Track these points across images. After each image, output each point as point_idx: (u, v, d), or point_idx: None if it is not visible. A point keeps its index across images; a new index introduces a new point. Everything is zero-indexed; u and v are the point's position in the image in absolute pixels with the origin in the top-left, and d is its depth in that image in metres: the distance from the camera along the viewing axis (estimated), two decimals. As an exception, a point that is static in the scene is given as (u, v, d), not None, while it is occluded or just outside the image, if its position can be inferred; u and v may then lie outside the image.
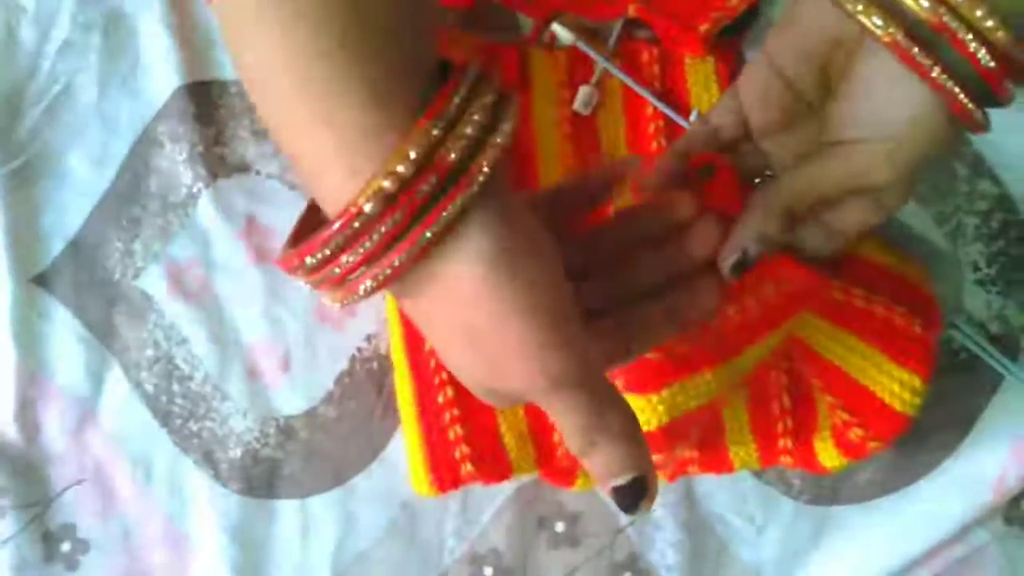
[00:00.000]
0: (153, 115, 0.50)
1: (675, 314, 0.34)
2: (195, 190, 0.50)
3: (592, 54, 0.47)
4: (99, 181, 0.50)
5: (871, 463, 0.51)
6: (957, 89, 0.29)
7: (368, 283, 0.24)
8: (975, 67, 0.29)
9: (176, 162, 0.50)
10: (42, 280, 0.50)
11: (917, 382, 0.42)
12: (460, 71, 0.24)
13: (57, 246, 0.50)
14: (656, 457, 0.42)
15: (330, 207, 0.24)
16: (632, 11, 0.47)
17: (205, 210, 0.50)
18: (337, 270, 0.24)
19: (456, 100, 0.23)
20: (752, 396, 0.47)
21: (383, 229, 0.23)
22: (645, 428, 0.40)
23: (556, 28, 0.48)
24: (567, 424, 0.28)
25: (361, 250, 0.23)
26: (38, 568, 0.52)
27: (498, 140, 0.23)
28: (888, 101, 0.31)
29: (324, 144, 0.23)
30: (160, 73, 0.49)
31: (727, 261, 0.34)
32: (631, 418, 0.29)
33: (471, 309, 0.24)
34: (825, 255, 0.37)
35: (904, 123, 0.30)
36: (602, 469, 0.28)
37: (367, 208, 0.22)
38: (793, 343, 0.46)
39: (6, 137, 0.49)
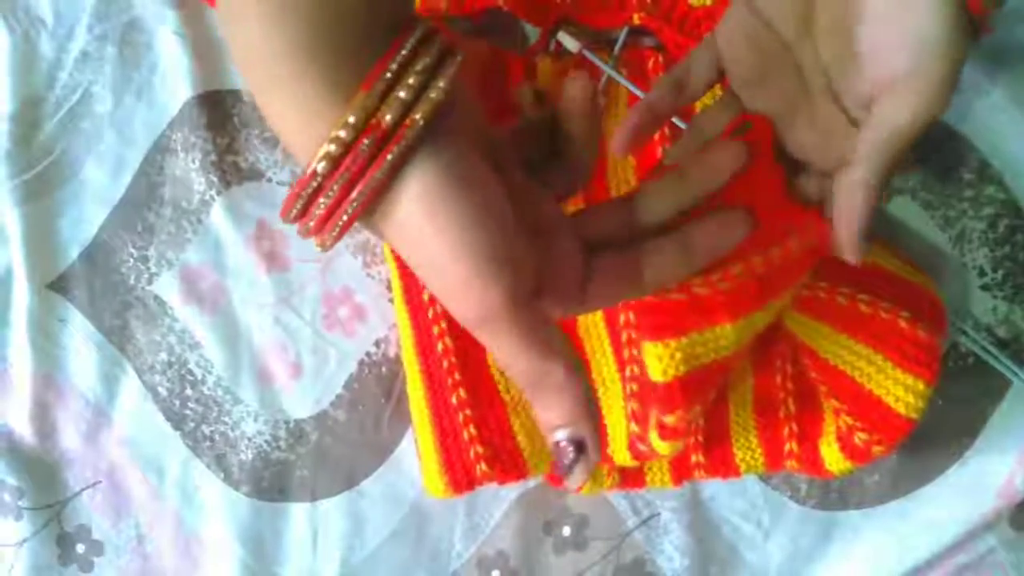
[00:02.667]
0: (167, 124, 0.51)
1: (689, 248, 0.34)
2: (208, 197, 0.51)
3: (598, 62, 0.48)
4: (114, 188, 0.51)
5: (878, 468, 0.51)
6: None
7: (335, 229, 0.28)
8: None
9: (189, 170, 0.51)
10: (58, 285, 0.51)
11: (921, 386, 0.42)
12: (400, 41, 0.27)
13: (73, 252, 0.51)
14: (669, 418, 0.41)
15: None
16: (637, 19, 0.47)
17: (218, 217, 0.51)
18: (311, 223, 0.28)
19: (393, 67, 0.27)
20: (758, 400, 0.48)
21: (336, 186, 0.27)
22: (662, 378, 0.39)
23: (562, 37, 0.48)
24: (508, 365, 0.30)
25: (323, 203, 0.27)
26: (53, 570, 0.53)
27: (431, 96, 0.27)
28: (915, 19, 0.30)
29: (293, 120, 0.27)
30: (174, 83, 0.50)
31: (857, 255, 0.34)
32: (574, 375, 0.30)
33: (414, 245, 0.28)
34: (819, 200, 0.36)
35: (936, 39, 0.30)
36: (543, 418, 0.30)
37: (319, 168, 0.26)
38: (798, 348, 0.46)
39: (25, 146, 0.50)
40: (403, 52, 0.27)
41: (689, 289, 0.37)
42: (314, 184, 0.27)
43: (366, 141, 0.26)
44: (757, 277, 0.38)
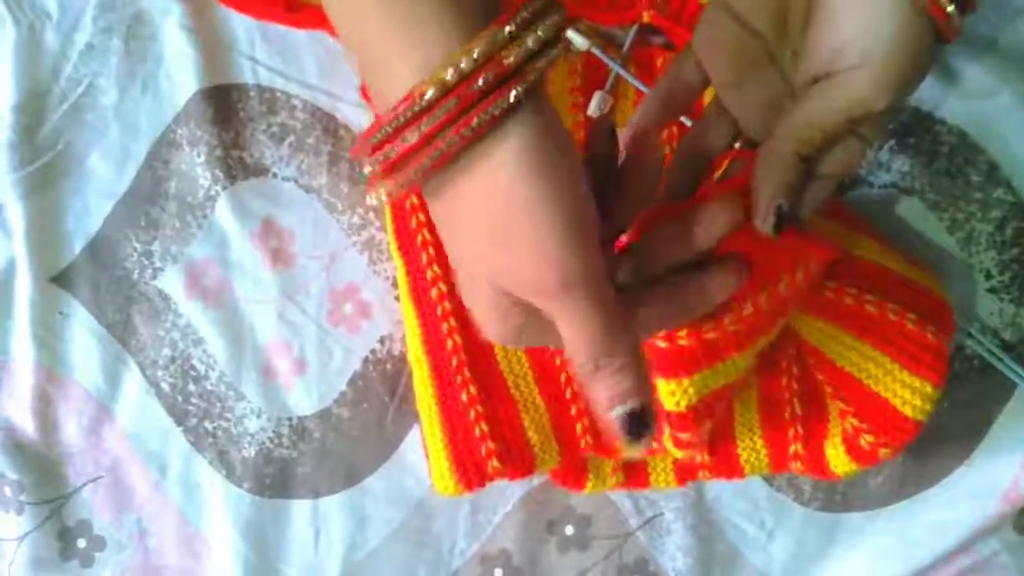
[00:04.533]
0: (172, 118, 0.50)
1: (680, 300, 0.34)
2: (213, 192, 0.50)
3: (607, 60, 0.47)
4: (119, 182, 0.51)
5: (882, 470, 0.51)
6: None
7: (424, 161, 0.27)
8: None
9: (195, 164, 0.50)
10: (61, 279, 0.51)
11: (928, 388, 0.42)
12: None
13: (77, 246, 0.51)
14: (684, 436, 0.42)
15: (395, 100, 0.27)
16: (646, 17, 0.47)
17: (223, 212, 0.51)
18: (395, 150, 0.27)
19: (525, 14, 0.27)
20: (763, 402, 0.48)
21: (439, 114, 0.26)
22: (675, 409, 0.40)
23: (571, 34, 0.47)
24: (575, 339, 0.29)
25: (419, 130, 0.27)
26: (54, 565, 0.53)
27: (553, 52, 0.27)
28: (872, 17, 0.31)
29: (401, 48, 0.27)
30: (180, 77, 0.50)
31: (767, 223, 0.34)
32: (637, 348, 0.30)
33: (502, 198, 0.27)
34: (819, 204, 0.36)
35: (890, 38, 0.31)
36: (604, 396, 0.30)
37: (428, 94, 0.26)
38: (804, 349, 0.46)
39: (29, 138, 0.50)
40: (532, 8, 0.27)
41: (700, 335, 0.38)
42: (412, 110, 0.27)
43: (487, 76, 0.26)
44: (766, 312, 0.38)
